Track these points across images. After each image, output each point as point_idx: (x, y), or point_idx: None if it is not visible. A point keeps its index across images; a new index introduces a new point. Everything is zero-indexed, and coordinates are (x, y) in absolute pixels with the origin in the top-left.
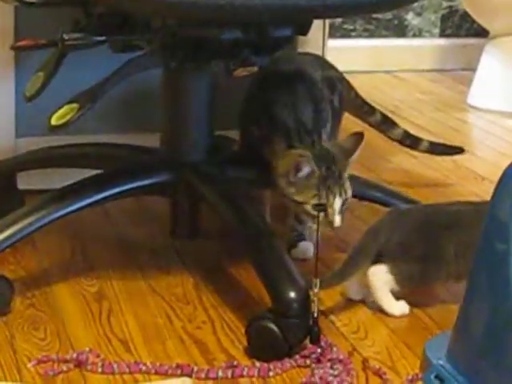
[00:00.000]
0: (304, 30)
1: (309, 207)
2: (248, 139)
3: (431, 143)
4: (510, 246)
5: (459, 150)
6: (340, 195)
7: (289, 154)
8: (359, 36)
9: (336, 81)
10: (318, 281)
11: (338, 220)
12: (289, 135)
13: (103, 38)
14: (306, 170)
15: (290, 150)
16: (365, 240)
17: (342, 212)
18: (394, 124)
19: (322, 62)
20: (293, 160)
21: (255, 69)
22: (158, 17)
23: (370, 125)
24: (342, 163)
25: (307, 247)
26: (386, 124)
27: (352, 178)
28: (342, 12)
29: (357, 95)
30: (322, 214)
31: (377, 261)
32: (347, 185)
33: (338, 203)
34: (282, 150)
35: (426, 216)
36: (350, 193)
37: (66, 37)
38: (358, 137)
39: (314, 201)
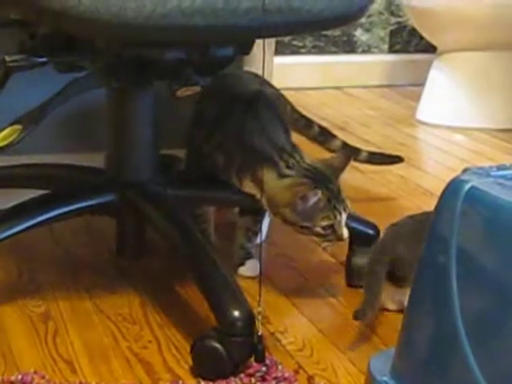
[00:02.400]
0: (246, 49)
1: (318, 229)
2: (199, 160)
3: (370, 153)
4: (450, 259)
5: (398, 160)
6: (344, 210)
7: (289, 185)
8: (308, 52)
9: (274, 98)
10: (261, 299)
11: (345, 232)
12: (274, 162)
13: (45, 60)
14: (313, 199)
15: (286, 181)
16: (373, 262)
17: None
18: (332, 136)
19: (259, 79)
20: (296, 192)
21: (198, 88)
22: (102, 38)
23: (309, 138)
24: (335, 179)
25: (255, 265)
26: (324, 136)
27: None
28: (282, 31)
29: (293, 110)
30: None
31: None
32: (345, 198)
33: (343, 218)
34: (273, 179)
35: (418, 224)
36: (349, 204)
37: (7, 58)
38: (346, 156)
39: (324, 223)
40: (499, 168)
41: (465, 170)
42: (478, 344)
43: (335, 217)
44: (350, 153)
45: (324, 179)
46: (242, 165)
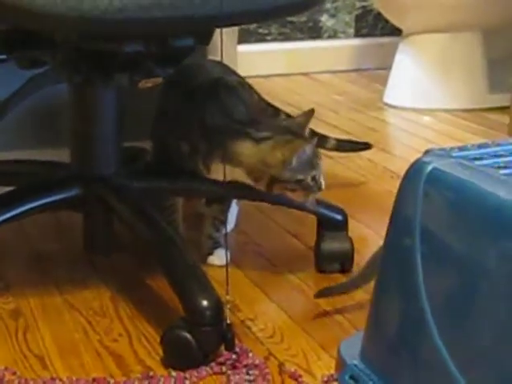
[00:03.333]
0: (206, 39)
1: (309, 180)
2: (165, 151)
3: (338, 140)
4: (415, 241)
5: (366, 146)
6: (320, 159)
7: (276, 145)
8: (275, 40)
9: (237, 84)
10: (229, 287)
11: (323, 182)
12: (244, 133)
13: (4, 56)
14: (309, 151)
15: (268, 142)
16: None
17: None
18: None
19: (224, 67)
20: (293, 148)
21: (160, 80)
22: (59, 32)
23: None
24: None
25: (223, 254)
26: None
27: None
28: (242, 20)
29: (260, 98)
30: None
31: None
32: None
33: (321, 167)
34: (250, 147)
35: None
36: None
37: None
38: (309, 112)
39: (313, 173)
40: (460, 149)
41: (426, 152)
42: (444, 324)
43: (319, 165)
44: (310, 112)
45: (300, 132)
46: (208, 150)
